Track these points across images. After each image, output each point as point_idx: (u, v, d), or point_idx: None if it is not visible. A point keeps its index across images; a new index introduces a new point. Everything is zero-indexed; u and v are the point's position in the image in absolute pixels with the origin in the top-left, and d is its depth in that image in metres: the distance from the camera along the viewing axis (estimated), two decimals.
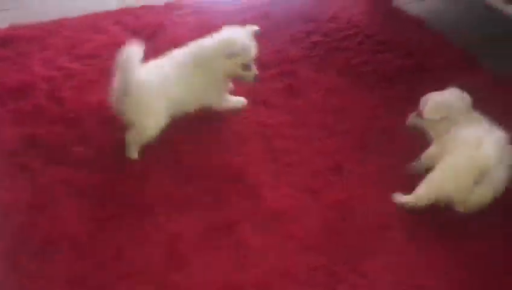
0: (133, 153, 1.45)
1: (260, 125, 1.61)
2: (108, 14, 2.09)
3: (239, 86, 1.66)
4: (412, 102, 1.69)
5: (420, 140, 1.48)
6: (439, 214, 1.33)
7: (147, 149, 1.48)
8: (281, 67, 1.84)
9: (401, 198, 1.38)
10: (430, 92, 1.45)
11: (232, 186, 1.39)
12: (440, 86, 1.71)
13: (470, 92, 1.43)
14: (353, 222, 1.33)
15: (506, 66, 1.86)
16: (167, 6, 2.18)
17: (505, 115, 1.47)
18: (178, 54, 1.53)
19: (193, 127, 1.57)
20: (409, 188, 1.39)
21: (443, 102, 1.39)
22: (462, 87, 1.43)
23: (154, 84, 1.42)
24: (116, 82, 1.40)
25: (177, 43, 1.92)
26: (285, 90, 1.75)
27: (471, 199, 1.27)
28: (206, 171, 1.44)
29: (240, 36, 1.51)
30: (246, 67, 1.51)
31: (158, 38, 1.96)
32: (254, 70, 1.52)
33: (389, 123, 1.62)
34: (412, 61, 1.91)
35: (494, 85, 1.78)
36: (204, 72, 1.49)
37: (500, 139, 1.28)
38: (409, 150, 1.51)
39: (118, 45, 1.88)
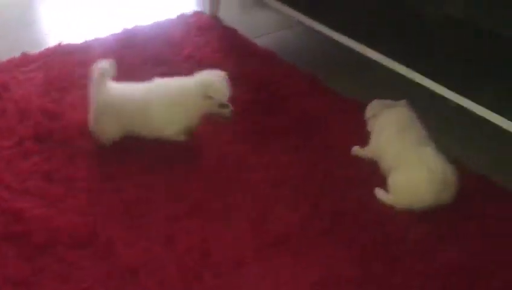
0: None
1: (109, 178, 1.58)
2: None
3: None
4: (264, 132, 1.79)
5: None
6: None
7: None
8: None
9: (381, 196, 1.54)
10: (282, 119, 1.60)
11: (84, 252, 1.34)
12: (293, 112, 1.83)
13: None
14: (210, 264, 1.34)
15: (352, 91, 2.02)
16: (11, 62, 2.07)
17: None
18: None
19: (43, 190, 1.51)
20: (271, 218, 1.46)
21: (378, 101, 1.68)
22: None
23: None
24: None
25: (20, 102, 1.85)
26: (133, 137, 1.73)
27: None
28: (54, 240, 1.37)
29: (219, 79, 1.69)
30: (222, 105, 1.66)
31: (1, 99, 1.85)
32: (230, 107, 1.67)
33: (244, 158, 1.68)
34: (265, 93, 2.00)
35: (342, 107, 1.94)
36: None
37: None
38: (256, 186, 1.58)
39: None
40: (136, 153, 1.67)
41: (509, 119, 1.49)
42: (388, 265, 1.36)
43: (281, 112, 1.90)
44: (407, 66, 1.71)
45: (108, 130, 1.65)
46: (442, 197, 1.50)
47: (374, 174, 1.63)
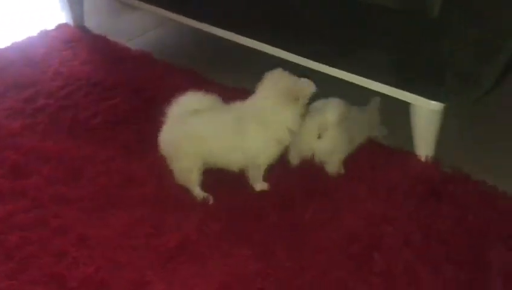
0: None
1: None
2: None
3: None
4: (146, 140, 1.68)
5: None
6: None
7: None
8: (2, 149, 1.64)
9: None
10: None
11: None
12: None
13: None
14: None
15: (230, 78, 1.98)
16: None
17: None
18: None
19: None
20: (163, 247, 1.37)
21: None
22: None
23: None
24: None
25: None
26: (10, 173, 1.57)
27: (318, 152, 1.51)
28: None
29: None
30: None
31: None
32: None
33: (130, 170, 1.58)
34: (145, 95, 1.90)
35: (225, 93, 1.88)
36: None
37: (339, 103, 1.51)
38: (157, 196, 1.50)
39: None
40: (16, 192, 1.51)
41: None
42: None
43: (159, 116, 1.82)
44: (281, 48, 1.70)
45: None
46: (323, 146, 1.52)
47: None
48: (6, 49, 2.18)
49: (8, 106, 1.85)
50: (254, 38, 1.75)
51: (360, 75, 1.56)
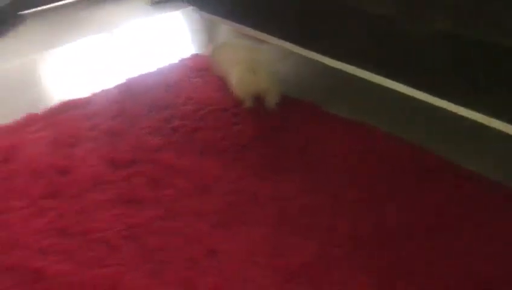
0: None
1: (130, 226, 1.58)
2: None
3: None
4: (270, 165, 1.81)
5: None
6: None
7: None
8: (142, 161, 1.85)
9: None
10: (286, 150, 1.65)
11: None
12: (297, 141, 1.86)
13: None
14: None
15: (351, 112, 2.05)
16: (21, 123, 2.13)
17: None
18: None
19: (56, 245, 1.52)
20: (282, 255, 1.45)
21: None
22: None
23: None
24: None
25: (32, 162, 1.89)
26: (149, 184, 1.75)
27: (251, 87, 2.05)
28: None
29: None
30: None
31: (14, 160, 1.89)
32: None
33: (254, 192, 1.69)
34: (265, 125, 2.03)
35: (344, 128, 1.96)
36: None
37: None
38: (280, 217, 1.59)
39: None
40: (155, 201, 1.68)
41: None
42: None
43: (288, 143, 1.93)
44: (403, 82, 1.74)
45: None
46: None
47: (386, 194, 1.64)
48: (151, 74, 2.45)
49: (149, 125, 2.06)
50: (382, 75, 1.80)
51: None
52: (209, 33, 2.58)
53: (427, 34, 1.59)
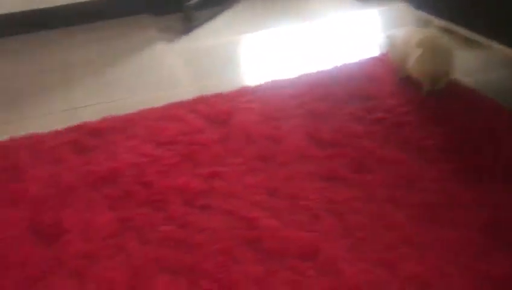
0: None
1: (331, 201, 1.70)
2: (185, 104, 2.32)
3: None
4: (475, 170, 1.76)
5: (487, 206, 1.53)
6: None
7: (225, 227, 1.61)
8: (344, 144, 1.95)
9: None
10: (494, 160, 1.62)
11: (309, 264, 1.46)
12: (506, 154, 1.78)
13: None
14: None
15: None
16: (235, 93, 2.39)
17: None
18: None
19: (267, 202, 1.70)
20: (485, 261, 1.43)
21: None
22: None
23: None
24: None
25: (244, 128, 2.11)
26: (351, 166, 1.84)
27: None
28: (282, 249, 1.52)
29: None
30: None
31: (228, 124, 2.14)
32: None
33: (457, 196, 1.67)
34: (472, 131, 1.97)
35: None
36: None
37: None
38: (482, 221, 1.56)
39: (194, 131, 2.11)
40: (356, 183, 1.77)
41: None
42: None
43: (489, 153, 1.85)
44: None
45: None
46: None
47: None
48: (353, 64, 2.54)
49: (352, 112, 2.15)
50: None
51: None
52: None
53: None
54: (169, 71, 2.75)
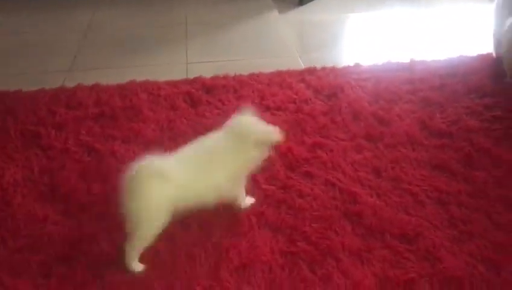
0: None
1: (437, 190, 1.65)
2: (294, 73, 2.35)
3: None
4: None
5: None
6: None
7: (327, 197, 1.63)
8: (458, 137, 1.88)
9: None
10: None
11: (409, 247, 1.45)
12: None
13: None
14: None
15: None
16: (346, 69, 2.38)
17: None
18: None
19: (370, 180, 1.69)
20: None
21: None
22: None
23: None
24: None
25: (353, 104, 2.10)
26: (462, 160, 1.77)
27: None
28: (385, 227, 1.52)
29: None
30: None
31: (337, 98, 2.14)
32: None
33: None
34: None
35: None
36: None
37: None
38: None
39: (302, 100, 2.13)
40: (466, 177, 1.72)
41: None
42: None
43: None
44: None
45: None
46: None
47: None
48: (472, 58, 2.43)
49: (468, 106, 2.07)
50: None
51: None
52: None
53: None
54: (280, 40, 2.78)
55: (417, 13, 3.04)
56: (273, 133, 1.48)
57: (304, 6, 3.19)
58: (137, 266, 1.39)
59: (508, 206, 1.58)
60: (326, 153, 1.83)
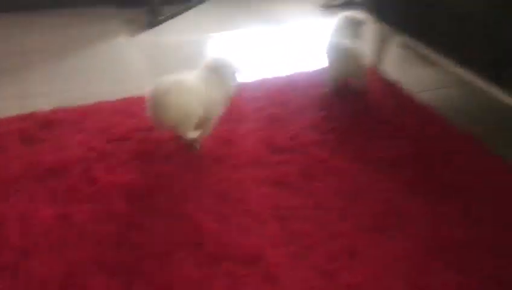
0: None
1: (279, 207, 1.69)
2: (140, 100, 2.26)
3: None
4: (420, 185, 1.80)
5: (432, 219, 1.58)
6: None
7: (168, 229, 1.58)
8: (296, 151, 1.95)
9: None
10: (440, 177, 1.67)
11: (249, 271, 1.45)
12: (447, 171, 1.83)
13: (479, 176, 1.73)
14: None
15: None
16: None
17: None
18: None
19: (214, 205, 1.68)
20: (426, 272, 1.46)
21: None
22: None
23: None
24: None
25: None
26: (300, 173, 1.84)
27: None
28: (226, 252, 1.51)
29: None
30: None
31: None
32: None
33: (401, 207, 1.71)
34: (420, 146, 2.01)
35: (504, 170, 1.88)
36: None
37: None
38: (423, 234, 1.60)
39: (149, 128, 2.07)
40: (304, 191, 1.78)
41: None
42: None
43: (439, 169, 1.90)
44: None
45: None
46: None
47: None
48: (312, 72, 2.57)
49: (309, 119, 2.17)
50: None
51: None
52: (380, 44, 2.60)
53: None
54: (129, 65, 2.69)
55: (268, 30, 3.15)
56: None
57: (156, 28, 3.15)
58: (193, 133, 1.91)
59: (343, 216, 1.67)
60: (171, 182, 1.79)
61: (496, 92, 1.95)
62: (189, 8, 3.43)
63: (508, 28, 1.80)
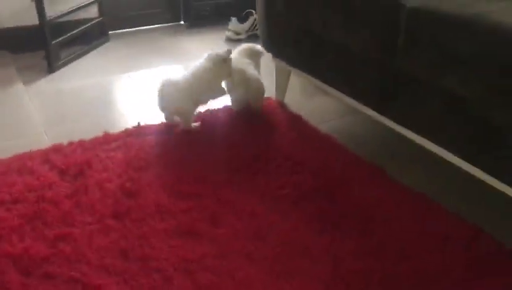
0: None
1: (184, 260, 1.64)
2: (37, 154, 2.14)
3: None
4: (328, 219, 1.83)
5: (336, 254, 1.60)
6: None
7: None
8: (202, 195, 1.93)
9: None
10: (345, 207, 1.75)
11: None
12: (356, 201, 1.88)
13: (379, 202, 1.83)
14: None
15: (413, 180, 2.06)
16: (95, 140, 2.26)
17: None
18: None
19: (115, 266, 1.60)
20: None
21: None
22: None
23: None
24: None
25: (100, 181, 2.00)
26: (207, 220, 1.81)
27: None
28: None
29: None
30: None
31: (84, 176, 2.02)
32: None
33: (308, 245, 1.72)
34: (322, 178, 2.06)
35: (404, 197, 1.97)
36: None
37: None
38: (328, 271, 1.61)
39: (45, 186, 1.95)
40: (211, 238, 1.75)
41: None
42: None
43: (341, 200, 1.95)
44: (471, 162, 1.75)
45: None
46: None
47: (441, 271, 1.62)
48: (220, 110, 2.57)
49: (214, 160, 2.15)
50: (459, 156, 1.80)
51: None
52: (280, 79, 2.67)
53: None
54: (23, 116, 2.54)
55: (174, 69, 3.12)
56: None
57: (56, 73, 3.01)
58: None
59: (248, 259, 1.65)
60: (70, 245, 1.69)
61: (385, 121, 2.06)
62: (90, 50, 3.33)
63: (392, 64, 1.91)
